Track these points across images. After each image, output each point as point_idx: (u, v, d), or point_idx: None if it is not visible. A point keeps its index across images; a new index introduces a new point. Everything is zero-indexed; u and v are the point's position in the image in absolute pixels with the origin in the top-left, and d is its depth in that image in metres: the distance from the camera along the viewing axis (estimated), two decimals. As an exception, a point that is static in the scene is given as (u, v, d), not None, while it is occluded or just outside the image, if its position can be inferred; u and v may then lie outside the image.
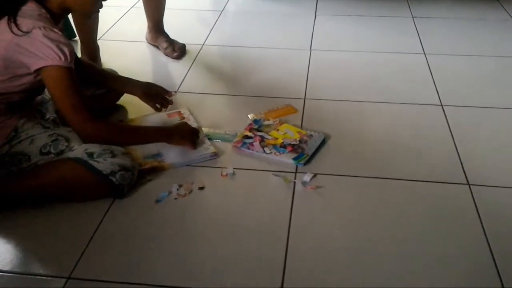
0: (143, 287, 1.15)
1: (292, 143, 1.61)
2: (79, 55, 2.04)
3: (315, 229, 1.31)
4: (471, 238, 1.28)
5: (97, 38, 2.18)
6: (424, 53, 2.28)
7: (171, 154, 1.54)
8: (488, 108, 1.86)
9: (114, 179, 1.35)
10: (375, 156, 1.59)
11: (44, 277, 1.17)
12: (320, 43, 2.40)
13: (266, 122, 1.73)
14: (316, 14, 2.75)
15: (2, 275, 1.18)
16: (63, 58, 1.30)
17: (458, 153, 1.60)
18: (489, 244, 1.26)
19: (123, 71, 1.85)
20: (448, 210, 1.37)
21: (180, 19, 2.66)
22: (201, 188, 1.44)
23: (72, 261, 1.20)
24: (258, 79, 2.09)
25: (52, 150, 1.37)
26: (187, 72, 2.14)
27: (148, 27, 2.34)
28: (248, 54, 2.30)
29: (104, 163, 1.34)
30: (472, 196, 1.42)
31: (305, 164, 1.53)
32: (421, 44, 2.37)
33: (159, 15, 2.30)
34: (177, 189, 1.43)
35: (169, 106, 1.78)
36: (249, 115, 1.78)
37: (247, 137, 1.65)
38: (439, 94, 1.94)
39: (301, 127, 1.73)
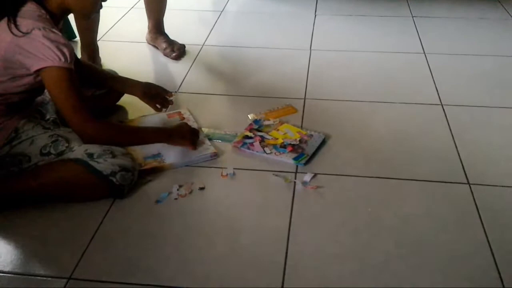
0: (144, 287, 1.15)
1: (292, 143, 1.61)
2: (79, 55, 2.04)
3: (315, 229, 1.31)
4: (471, 238, 1.28)
5: (97, 39, 2.18)
6: (424, 53, 2.28)
7: (171, 154, 1.54)
8: (488, 107, 1.85)
9: (114, 180, 1.35)
10: (375, 155, 1.59)
11: (45, 278, 1.18)
12: (320, 43, 2.40)
13: (266, 122, 1.73)
14: (316, 14, 2.75)
15: (3, 275, 1.18)
16: (63, 59, 1.30)
17: (458, 152, 1.60)
18: (489, 243, 1.26)
19: (123, 72, 1.85)
20: (449, 210, 1.37)
21: (180, 20, 2.66)
22: (202, 189, 1.45)
23: (72, 262, 1.21)
24: (258, 79, 2.09)
25: (53, 151, 1.37)
26: (187, 72, 2.14)
27: (148, 28, 2.34)
28: (248, 54, 2.30)
29: (105, 164, 1.34)
30: (473, 195, 1.42)
31: (305, 164, 1.53)
32: (421, 44, 2.37)
33: (159, 16, 2.30)
34: (178, 190, 1.43)
35: (169, 106, 1.78)
36: (249, 115, 1.78)
37: (247, 137, 1.65)
38: (439, 94, 1.94)
39: (301, 127, 1.73)
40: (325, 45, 2.38)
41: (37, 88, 1.43)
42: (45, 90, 1.49)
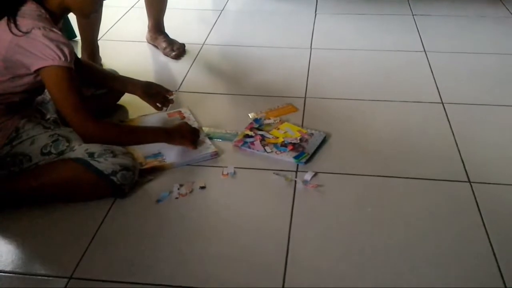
0: (144, 286, 1.15)
1: (293, 142, 1.61)
2: (79, 55, 2.04)
3: (316, 227, 1.31)
4: (472, 236, 1.28)
5: (98, 38, 2.18)
6: (425, 51, 2.28)
7: (172, 153, 1.54)
8: (489, 105, 1.85)
9: (115, 179, 1.35)
10: (376, 154, 1.59)
11: (46, 277, 1.18)
12: (320, 42, 2.39)
13: (267, 121, 1.73)
14: (316, 12, 2.75)
15: (4, 275, 1.18)
16: (62, 58, 1.30)
17: (459, 150, 1.60)
18: (490, 242, 1.25)
19: (123, 71, 1.85)
20: (449, 208, 1.37)
21: (181, 19, 2.66)
22: (202, 188, 1.44)
23: (73, 261, 1.21)
24: (258, 78, 2.09)
25: (53, 151, 1.37)
26: (188, 71, 2.14)
27: (148, 27, 2.34)
28: (249, 53, 2.30)
29: (105, 163, 1.34)
30: (474, 193, 1.42)
31: (306, 162, 1.53)
32: (422, 42, 2.37)
33: (160, 15, 2.30)
34: (178, 189, 1.43)
35: (170, 105, 1.78)
36: (249, 114, 1.78)
37: (248, 136, 1.64)
38: (440, 92, 1.93)
39: (302, 125, 1.73)
40: (326, 43, 2.38)
41: (37, 87, 1.43)
42: (45, 90, 1.49)
